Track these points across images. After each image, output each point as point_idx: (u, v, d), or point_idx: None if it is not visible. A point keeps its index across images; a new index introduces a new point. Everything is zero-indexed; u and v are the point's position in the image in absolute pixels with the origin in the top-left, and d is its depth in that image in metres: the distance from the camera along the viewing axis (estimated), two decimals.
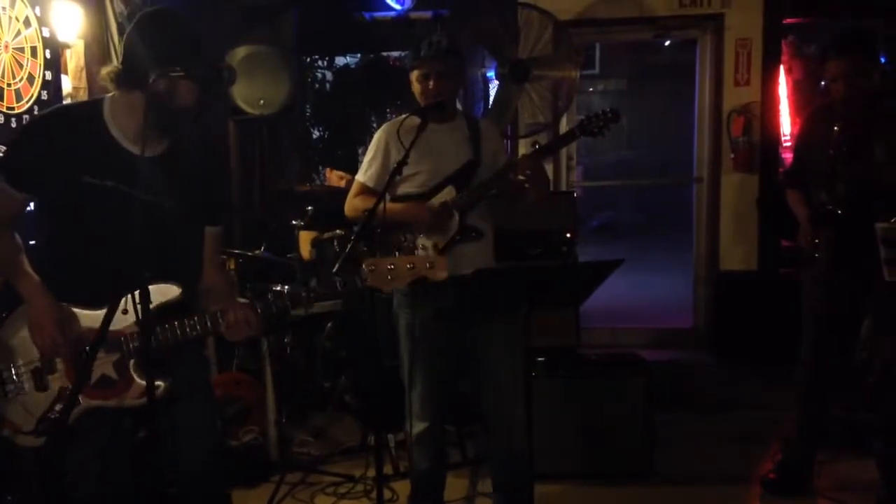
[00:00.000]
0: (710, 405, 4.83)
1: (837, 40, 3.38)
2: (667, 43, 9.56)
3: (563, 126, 5.29)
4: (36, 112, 3.40)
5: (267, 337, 4.12)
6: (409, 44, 3.44)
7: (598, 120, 3.08)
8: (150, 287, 2.09)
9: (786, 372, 3.76)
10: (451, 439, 3.97)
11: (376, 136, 3.26)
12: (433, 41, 3.11)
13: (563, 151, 5.85)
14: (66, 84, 3.75)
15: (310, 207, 4.65)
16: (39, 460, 2.54)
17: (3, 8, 3.27)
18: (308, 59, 6.49)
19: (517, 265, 4.03)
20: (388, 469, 3.92)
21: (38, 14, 3.46)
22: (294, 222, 4.54)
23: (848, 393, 3.93)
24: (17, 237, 2.40)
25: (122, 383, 2.34)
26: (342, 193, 3.47)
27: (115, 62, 2.40)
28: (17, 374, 2.35)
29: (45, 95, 3.48)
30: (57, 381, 2.35)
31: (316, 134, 6.76)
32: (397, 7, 5.73)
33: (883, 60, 4.05)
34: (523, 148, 5.35)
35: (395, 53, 6.57)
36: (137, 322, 2.27)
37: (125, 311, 2.24)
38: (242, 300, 2.47)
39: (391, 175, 2.93)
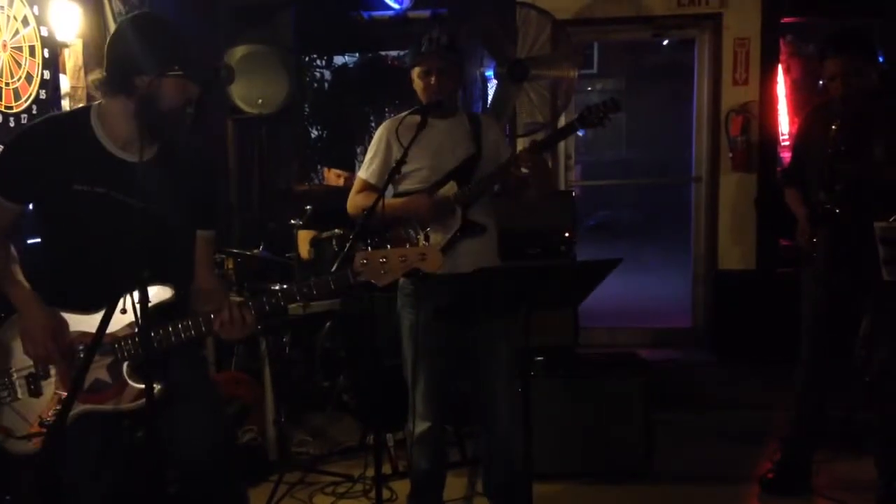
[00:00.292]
0: (708, 405, 4.84)
1: (835, 39, 3.38)
2: (665, 42, 9.57)
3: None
4: (34, 111, 3.39)
5: (266, 337, 4.11)
6: (407, 43, 3.44)
7: (597, 111, 3.08)
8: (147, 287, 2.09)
9: (784, 371, 3.76)
10: (451, 439, 3.97)
11: (377, 133, 3.27)
12: (434, 38, 3.11)
13: (562, 151, 5.85)
14: (65, 83, 3.75)
15: (308, 207, 4.65)
16: (34, 463, 2.54)
17: (2, 7, 3.27)
18: (306, 59, 6.49)
19: (516, 265, 4.03)
20: (386, 469, 3.92)
21: (37, 13, 3.46)
22: (292, 222, 4.53)
23: (846, 392, 3.93)
24: (11, 247, 2.40)
25: (115, 387, 2.34)
26: (341, 192, 3.47)
27: (104, 67, 2.39)
28: (10, 380, 2.35)
29: (43, 94, 3.48)
30: (51, 387, 2.35)
31: (314, 133, 6.76)
32: (395, 6, 5.73)
33: (881, 59, 4.04)
34: (521, 147, 5.34)
35: (394, 52, 6.58)
36: (132, 325, 2.27)
37: (123, 312, 2.23)
38: (237, 298, 2.46)
39: (391, 173, 2.93)
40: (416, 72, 3.16)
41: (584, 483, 3.81)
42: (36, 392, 2.34)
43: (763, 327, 5.17)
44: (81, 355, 2.30)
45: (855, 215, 3.27)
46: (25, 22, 3.40)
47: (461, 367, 3.24)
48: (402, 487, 3.65)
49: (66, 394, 2.29)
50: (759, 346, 5.18)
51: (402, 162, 2.91)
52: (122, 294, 2.16)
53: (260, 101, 5.00)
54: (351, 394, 4.66)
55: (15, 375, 2.35)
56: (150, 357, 2.18)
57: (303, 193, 5.13)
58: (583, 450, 3.84)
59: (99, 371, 2.32)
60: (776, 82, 5.75)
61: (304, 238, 4.46)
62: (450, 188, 3.11)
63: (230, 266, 4.32)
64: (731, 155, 5.61)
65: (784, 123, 6.14)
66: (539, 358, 3.96)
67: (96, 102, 2.39)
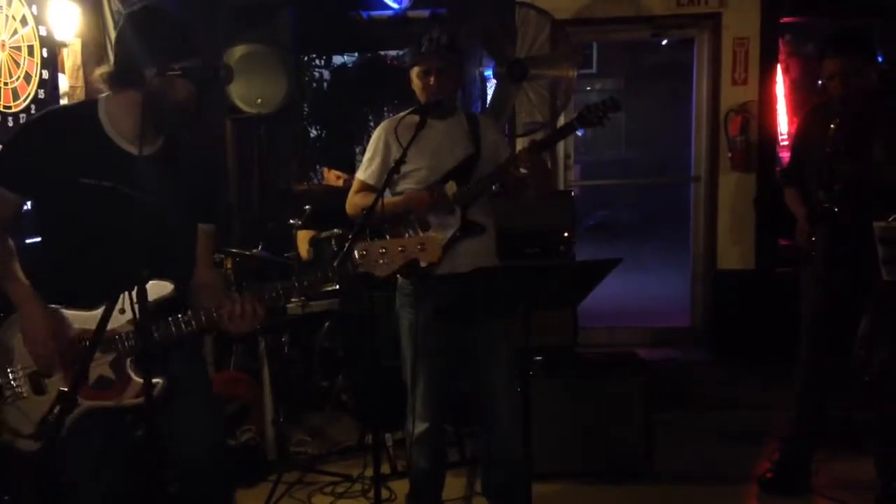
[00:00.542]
0: (707, 404, 4.84)
1: (835, 39, 3.38)
2: (664, 42, 9.57)
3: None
4: (33, 111, 3.39)
5: (264, 336, 4.11)
6: (406, 43, 3.44)
7: (597, 110, 3.07)
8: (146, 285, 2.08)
9: (783, 371, 3.76)
10: (450, 439, 3.97)
11: (375, 133, 3.26)
12: (433, 38, 3.10)
13: (561, 150, 5.86)
14: (63, 83, 3.75)
15: (307, 207, 4.65)
16: (35, 461, 2.53)
17: (0, 6, 3.26)
18: (305, 58, 6.49)
19: (515, 265, 4.02)
20: (385, 468, 3.92)
21: (35, 12, 3.46)
22: (291, 221, 4.53)
23: (846, 392, 3.93)
24: (11, 242, 2.39)
25: (119, 383, 2.33)
26: (340, 192, 3.47)
27: (112, 61, 2.39)
28: (14, 379, 2.34)
29: (41, 94, 3.47)
30: (54, 385, 2.34)
31: (313, 133, 6.75)
32: (395, 6, 5.73)
33: (880, 59, 4.04)
34: (520, 147, 5.34)
35: (393, 52, 6.57)
36: (133, 321, 2.26)
37: (122, 311, 2.23)
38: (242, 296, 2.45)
39: (389, 173, 2.93)
40: (415, 72, 3.15)
41: (584, 483, 3.81)
42: (40, 390, 2.34)
43: (762, 327, 5.17)
44: (84, 352, 2.30)
45: (854, 215, 3.26)
46: (24, 21, 3.39)
47: (461, 367, 3.24)
48: (400, 487, 3.65)
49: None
50: (758, 346, 5.19)
51: (401, 162, 2.90)
52: (123, 290, 2.16)
53: (259, 100, 5.00)
54: (350, 393, 4.66)
55: (18, 374, 2.34)
56: (149, 355, 2.17)
57: (302, 193, 5.13)
58: (582, 450, 3.84)
59: (102, 368, 2.32)
60: (775, 82, 5.75)
61: (303, 238, 4.46)
62: (449, 188, 3.10)
63: (229, 266, 4.31)
64: (730, 155, 5.62)
65: (783, 123, 6.14)
66: (538, 358, 3.95)
67: (103, 95, 2.38)
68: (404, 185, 3.16)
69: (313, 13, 5.77)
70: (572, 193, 5.31)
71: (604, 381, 3.89)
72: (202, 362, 2.82)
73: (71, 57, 3.83)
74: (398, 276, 3.22)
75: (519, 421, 2.92)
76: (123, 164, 2.29)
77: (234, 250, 4.35)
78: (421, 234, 2.77)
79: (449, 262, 3.10)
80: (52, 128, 2.34)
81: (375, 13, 5.82)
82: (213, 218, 2.57)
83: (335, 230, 4.19)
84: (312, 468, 4.04)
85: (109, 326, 2.09)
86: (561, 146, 5.79)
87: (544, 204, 4.52)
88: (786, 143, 5.93)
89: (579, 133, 7.68)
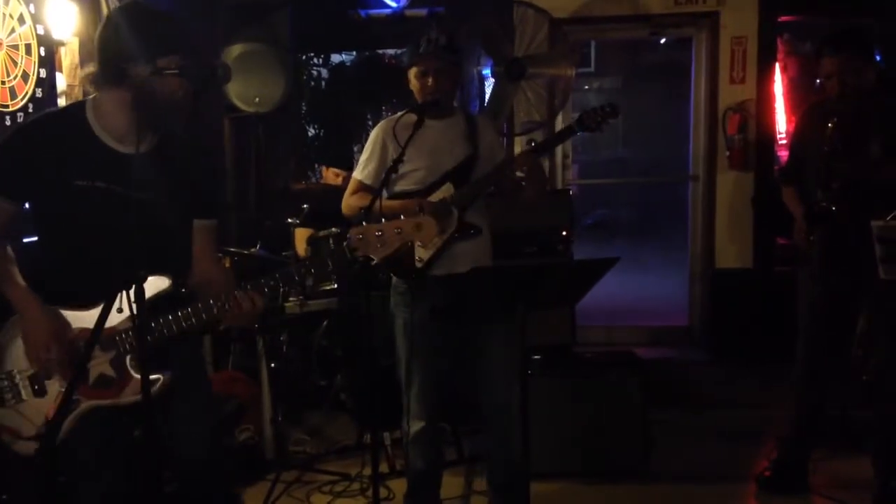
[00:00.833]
0: (705, 403, 4.84)
1: (833, 37, 3.38)
2: (662, 41, 9.56)
3: (559, 124, 5.29)
4: (31, 110, 3.38)
5: (263, 336, 4.11)
6: (404, 41, 3.43)
7: (595, 115, 3.07)
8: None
9: (781, 370, 3.76)
10: (447, 438, 3.97)
11: (373, 133, 3.25)
12: (432, 38, 3.09)
13: (559, 149, 5.85)
14: (61, 82, 3.74)
15: (305, 205, 4.64)
16: (35, 461, 2.53)
17: None
18: (303, 57, 6.48)
19: (513, 264, 4.02)
20: (383, 467, 3.92)
21: (33, 11, 3.45)
22: (290, 220, 4.52)
23: (843, 391, 3.94)
24: (9, 248, 2.39)
25: (120, 381, 2.33)
26: (338, 191, 3.46)
27: (97, 59, 2.37)
28: (14, 381, 2.34)
29: (39, 93, 3.47)
30: (55, 386, 2.34)
31: (311, 132, 6.75)
32: (393, 4, 5.73)
33: (878, 58, 4.04)
34: (518, 146, 5.35)
35: (391, 51, 6.57)
36: (131, 318, 2.25)
37: (119, 310, 2.23)
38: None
39: (387, 173, 2.92)
40: (413, 72, 3.15)
41: (582, 482, 3.81)
42: (40, 392, 2.33)
43: (760, 326, 5.18)
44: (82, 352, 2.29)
45: (852, 214, 3.27)
46: (21, 20, 3.39)
47: (458, 366, 3.24)
48: (399, 486, 3.65)
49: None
50: (755, 345, 5.19)
51: (398, 161, 2.90)
52: (121, 289, 2.16)
53: (257, 99, 4.99)
54: (348, 393, 4.65)
55: (18, 377, 2.34)
56: (148, 354, 2.17)
57: (300, 192, 5.13)
58: (580, 449, 3.84)
59: (103, 366, 2.31)
60: (773, 81, 5.75)
61: (301, 236, 4.46)
62: (446, 189, 3.10)
63: (227, 265, 4.31)
64: (728, 153, 5.61)
65: (781, 122, 6.14)
66: (536, 357, 3.96)
67: (91, 96, 2.37)
68: (402, 186, 3.15)
69: (311, 12, 5.76)
70: (570, 192, 5.30)
71: (602, 380, 3.89)
72: (202, 361, 2.82)
73: (69, 55, 3.83)
74: (393, 275, 3.23)
75: (517, 420, 2.92)
76: (115, 164, 2.29)
77: (232, 249, 4.35)
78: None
79: (446, 262, 3.10)
80: (43, 132, 2.33)
81: (374, 12, 5.82)
82: (212, 213, 2.56)
83: (333, 229, 4.19)
84: (311, 467, 4.04)
85: (108, 324, 2.09)
86: (559, 145, 5.78)
87: (542, 203, 4.52)
88: (784, 141, 5.93)
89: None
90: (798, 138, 3.71)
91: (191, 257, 2.49)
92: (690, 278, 5.99)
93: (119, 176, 2.26)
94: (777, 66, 5.83)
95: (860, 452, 3.68)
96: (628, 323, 6.26)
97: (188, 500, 2.54)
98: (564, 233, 4.70)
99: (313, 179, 6.34)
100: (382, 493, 3.70)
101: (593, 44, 10.68)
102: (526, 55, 4.82)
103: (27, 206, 2.42)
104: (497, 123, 4.96)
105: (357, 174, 3.26)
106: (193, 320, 2.30)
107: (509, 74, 4.73)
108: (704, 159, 5.75)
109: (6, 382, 2.34)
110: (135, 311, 2.04)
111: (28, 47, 3.42)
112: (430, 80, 3.09)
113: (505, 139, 5.36)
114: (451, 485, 3.68)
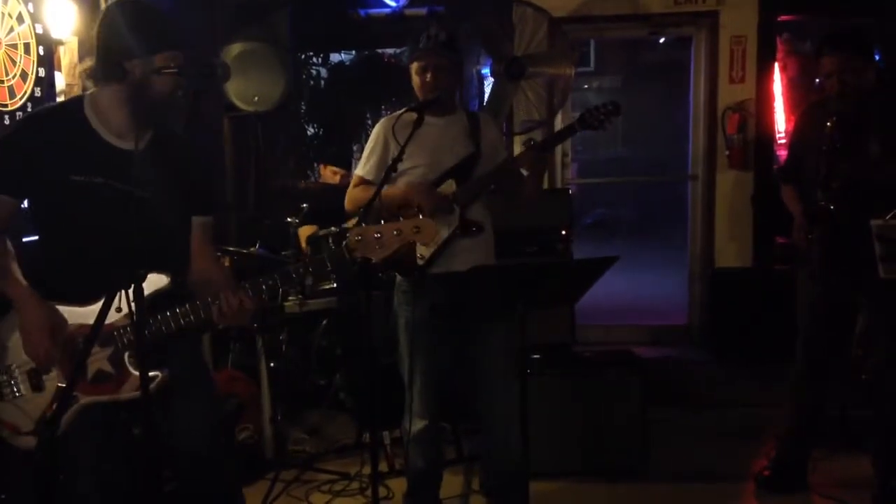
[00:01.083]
0: (704, 402, 4.84)
1: (832, 37, 3.38)
2: (662, 40, 9.56)
3: (559, 123, 5.29)
4: (30, 109, 3.38)
5: (262, 335, 4.11)
6: (404, 40, 3.43)
7: (597, 113, 3.06)
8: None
9: (781, 369, 3.76)
10: (447, 437, 3.97)
11: (374, 130, 3.25)
12: (432, 34, 3.09)
13: (559, 148, 5.84)
14: (60, 81, 3.73)
15: (304, 204, 4.64)
16: (34, 458, 2.53)
17: None
18: (303, 56, 6.46)
19: (512, 263, 4.02)
20: (383, 466, 3.92)
21: (31, 10, 3.44)
22: (289, 219, 4.52)
23: (843, 390, 3.94)
24: (8, 244, 2.39)
25: (118, 377, 2.33)
26: (337, 190, 3.46)
27: (95, 55, 2.37)
28: (13, 376, 2.34)
29: (38, 92, 3.46)
30: (53, 381, 2.34)
31: (311, 131, 6.73)
32: (392, 4, 5.72)
33: (877, 57, 4.04)
34: (518, 145, 5.35)
35: (391, 50, 6.56)
36: (130, 315, 2.25)
37: (119, 309, 2.23)
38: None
39: (387, 171, 2.92)
40: (413, 68, 3.15)
41: (581, 481, 3.81)
42: (38, 387, 2.34)
43: (759, 325, 5.17)
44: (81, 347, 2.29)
45: (851, 213, 3.26)
46: (20, 19, 3.38)
47: (458, 365, 3.24)
48: (398, 485, 3.65)
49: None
50: (755, 344, 5.18)
51: (398, 159, 2.90)
52: (120, 285, 2.15)
53: (256, 98, 4.98)
54: (347, 392, 4.65)
55: (16, 371, 2.34)
56: (146, 351, 2.17)
57: (299, 191, 5.12)
58: (580, 448, 3.84)
59: (101, 362, 2.32)
60: (773, 80, 5.75)
61: (304, 234, 4.47)
62: (448, 187, 3.10)
63: (227, 264, 4.31)
64: (727, 153, 5.61)
65: (780, 121, 6.13)
66: (536, 356, 3.95)
67: (89, 92, 2.37)
68: (402, 183, 3.15)
69: (311, 11, 5.75)
70: (570, 192, 5.30)
71: (601, 379, 3.89)
72: (202, 358, 2.82)
73: (67, 55, 3.82)
74: (397, 273, 3.23)
75: (516, 419, 2.92)
76: (112, 160, 2.29)
77: (231, 249, 4.35)
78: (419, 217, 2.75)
79: (447, 260, 3.10)
80: (38, 129, 2.34)
81: (373, 11, 5.81)
82: (208, 210, 2.55)
83: (332, 228, 4.19)
84: (310, 466, 4.04)
85: (108, 320, 2.09)
86: (562, 142, 5.78)
87: (542, 202, 4.52)
88: (783, 141, 5.93)
89: None
90: (797, 137, 3.71)
91: (189, 255, 2.49)
92: (690, 277, 5.99)
93: (117, 172, 2.26)
94: (776, 65, 5.82)
95: (860, 452, 3.68)
96: (628, 322, 6.26)
97: (189, 498, 2.54)
98: (564, 232, 4.70)
99: (312, 178, 6.33)
100: (382, 492, 3.70)
101: (593, 43, 10.67)
102: (525, 54, 4.82)
103: (26, 203, 2.43)
104: (497, 122, 4.96)
105: (359, 170, 3.26)
106: (191, 317, 2.30)
107: (509, 73, 4.73)
108: (704, 158, 5.75)
109: (4, 377, 2.34)
110: (132, 308, 2.04)
111: (27, 46, 3.42)
112: (430, 75, 3.09)
113: (504, 138, 5.36)
114: (450, 483, 3.68)
